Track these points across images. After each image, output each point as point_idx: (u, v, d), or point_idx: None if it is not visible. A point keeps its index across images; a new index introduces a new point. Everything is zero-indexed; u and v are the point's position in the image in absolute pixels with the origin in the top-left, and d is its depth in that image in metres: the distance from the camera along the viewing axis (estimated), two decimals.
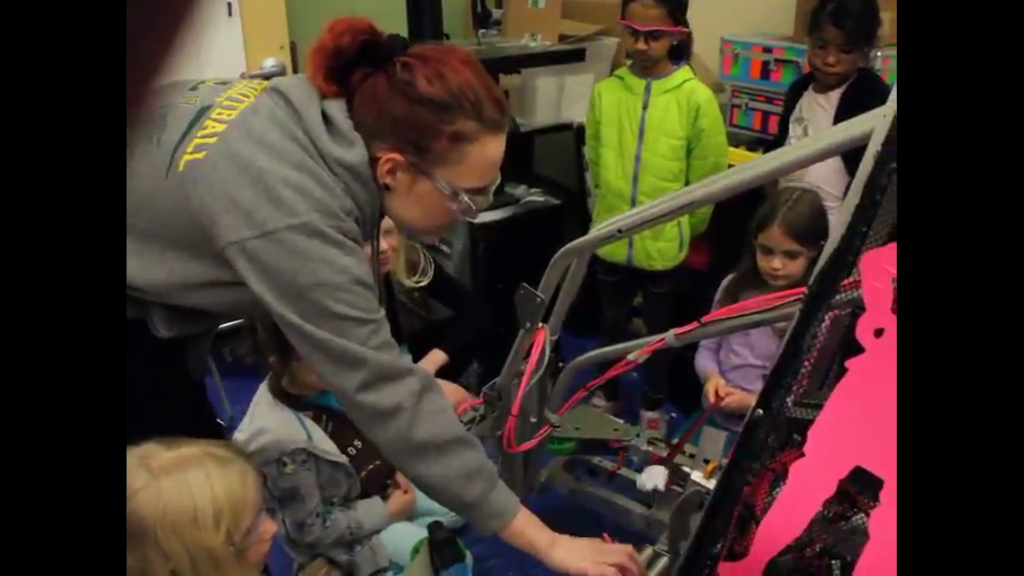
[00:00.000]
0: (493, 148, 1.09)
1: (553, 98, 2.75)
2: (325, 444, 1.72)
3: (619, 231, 1.23)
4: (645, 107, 2.10)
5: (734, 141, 2.63)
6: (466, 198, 1.09)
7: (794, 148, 1.01)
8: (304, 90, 1.07)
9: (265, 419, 1.70)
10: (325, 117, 1.05)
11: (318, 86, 1.06)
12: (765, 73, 2.63)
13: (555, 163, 2.94)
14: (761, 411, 1.00)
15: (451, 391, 1.96)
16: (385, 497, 1.90)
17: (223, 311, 1.21)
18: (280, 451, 1.65)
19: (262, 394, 1.75)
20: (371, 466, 1.85)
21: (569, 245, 1.30)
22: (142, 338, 1.18)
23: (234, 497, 1.05)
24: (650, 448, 1.81)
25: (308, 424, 1.72)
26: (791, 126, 2.21)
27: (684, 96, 2.08)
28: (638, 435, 1.84)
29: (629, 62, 2.19)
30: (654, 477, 1.55)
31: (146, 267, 1.09)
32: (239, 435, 1.72)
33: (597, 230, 1.29)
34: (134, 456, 1.03)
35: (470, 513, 1.14)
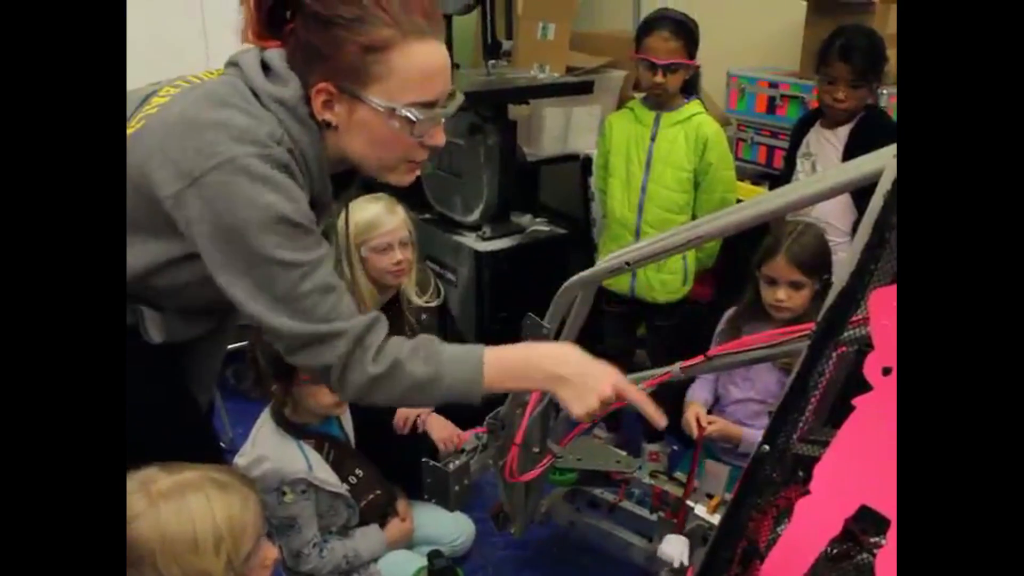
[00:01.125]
0: (422, 55, 1.01)
1: (560, 129, 2.77)
2: (325, 474, 1.71)
3: (627, 264, 1.23)
4: (653, 138, 2.12)
5: (739, 175, 2.64)
6: (405, 112, 1.02)
7: (803, 184, 1.02)
8: (248, 50, 1.08)
9: (266, 446, 1.69)
10: (264, 65, 1.06)
11: (251, 41, 1.07)
12: (771, 108, 2.65)
13: (561, 193, 2.95)
14: (767, 447, 0.99)
15: (441, 424, 1.96)
16: (383, 525, 1.89)
17: (201, 296, 1.14)
18: (280, 480, 1.64)
19: (264, 420, 1.74)
20: (371, 495, 1.84)
21: (576, 277, 1.30)
22: (136, 350, 1.17)
23: (234, 522, 1.04)
24: (652, 481, 1.80)
25: (309, 453, 1.71)
26: (799, 161, 2.22)
27: (693, 129, 2.10)
28: (640, 467, 1.83)
29: (640, 95, 2.21)
30: (675, 548, 1.44)
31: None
32: (239, 460, 1.71)
33: (605, 262, 1.29)
34: (134, 481, 1.02)
35: (441, 396, 1.09)
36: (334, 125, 1.06)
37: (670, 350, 2.11)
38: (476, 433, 1.56)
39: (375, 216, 1.93)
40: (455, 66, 2.50)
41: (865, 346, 0.92)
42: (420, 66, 1.02)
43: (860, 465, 0.93)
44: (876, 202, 0.87)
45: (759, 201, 1.10)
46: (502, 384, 1.13)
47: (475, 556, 2.05)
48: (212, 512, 1.03)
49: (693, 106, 2.13)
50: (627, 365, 2.38)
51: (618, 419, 2.57)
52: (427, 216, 2.63)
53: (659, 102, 2.12)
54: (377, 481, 1.85)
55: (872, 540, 0.96)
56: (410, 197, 2.69)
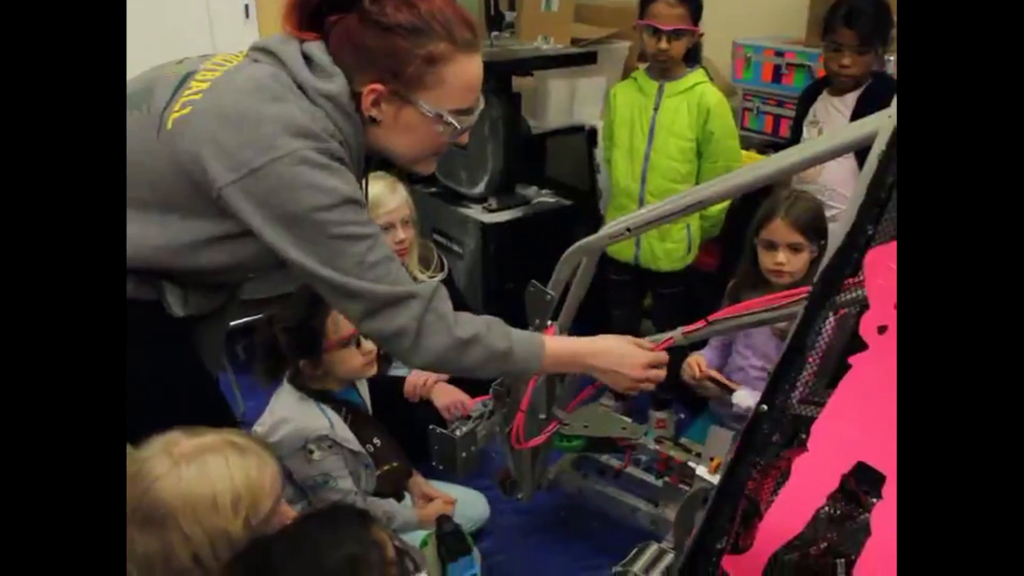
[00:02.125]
0: (469, 68, 1.11)
1: (565, 101, 2.77)
2: (346, 433, 1.73)
3: (628, 229, 1.25)
4: (656, 108, 2.11)
5: (745, 144, 2.63)
6: (451, 119, 1.11)
7: (801, 148, 1.03)
8: (282, 39, 1.12)
9: (287, 410, 1.70)
10: (305, 57, 1.10)
11: (293, 34, 1.11)
12: (777, 77, 2.64)
13: (567, 165, 2.95)
14: (765, 407, 1.01)
15: (446, 391, 1.98)
16: (399, 500, 1.90)
17: (231, 272, 1.22)
18: (304, 439, 1.65)
19: (283, 389, 1.76)
20: (387, 466, 1.84)
21: (579, 243, 1.31)
22: (160, 324, 1.20)
23: (252, 483, 1.07)
24: (658, 447, 1.83)
25: (330, 413, 1.72)
26: (805, 129, 2.21)
27: (695, 98, 2.09)
28: (646, 434, 1.86)
29: (643, 65, 2.21)
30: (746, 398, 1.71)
31: (151, 235, 1.11)
32: (259, 427, 1.72)
33: (607, 228, 1.31)
34: (158, 443, 1.05)
35: (505, 369, 1.21)
36: (378, 121, 1.13)
37: (675, 319, 2.12)
38: (482, 400, 1.58)
39: (376, 196, 1.93)
40: None
41: (863, 306, 0.93)
42: (466, 79, 1.11)
43: (856, 422, 0.95)
44: (871, 162, 0.88)
45: (758, 166, 1.11)
46: (553, 368, 1.32)
47: (486, 523, 2.08)
48: (230, 473, 1.06)
49: (696, 75, 2.12)
50: (634, 335, 2.39)
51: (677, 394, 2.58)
52: (433, 189, 2.64)
53: (663, 71, 2.12)
54: (395, 452, 1.86)
55: (868, 497, 0.97)
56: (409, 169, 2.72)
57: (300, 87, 1.09)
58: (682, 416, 2.44)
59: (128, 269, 1.13)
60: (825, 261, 0.93)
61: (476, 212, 2.45)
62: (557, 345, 1.26)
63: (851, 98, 2.07)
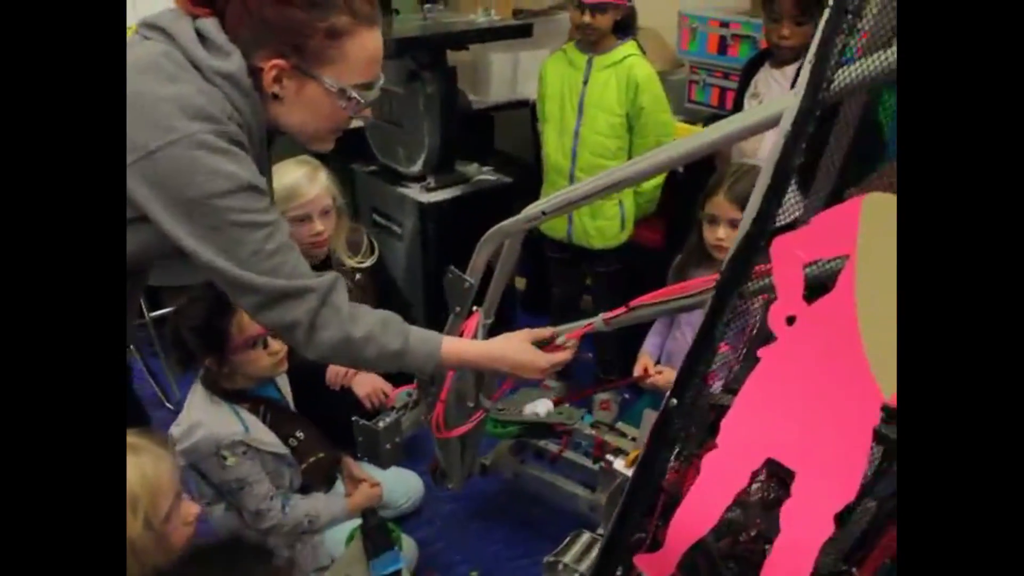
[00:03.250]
0: (370, 41, 1.09)
1: (508, 75, 2.70)
2: (263, 435, 1.68)
3: (543, 212, 1.20)
4: (586, 82, 2.06)
5: (692, 118, 2.59)
6: (355, 93, 1.10)
7: (711, 128, 0.98)
8: (173, 15, 1.07)
9: (199, 413, 1.65)
10: (199, 35, 1.05)
11: (186, 10, 1.07)
12: (723, 48, 2.59)
13: (511, 140, 2.89)
14: (675, 400, 0.97)
15: (366, 380, 1.94)
16: (330, 488, 1.87)
17: (131, 260, 1.13)
18: (217, 444, 1.61)
19: (195, 389, 1.70)
20: (313, 458, 1.79)
21: (495, 227, 1.26)
22: None
23: (149, 483, 1.04)
24: (594, 432, 1.79)
25: (244, 416, 1.67)
26: (746, 102, 2.17)
27: (624, 72, 2.03)
28: (583, 418, 1.82)
29: (576, 38, 2.14)
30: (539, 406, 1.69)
31: None
32: (175, 429, 1.66)
33: (525, 211, 1.25)
34: None
35: (397, 368, 1.20)
36: (280, 96, 1.09)
37: (616, 297, 2.09)
38: (407, 390, 1.53)
39: (294, 184, 1.85)
40: (395, 11, 2.42)
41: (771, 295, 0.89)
42: (368, 52, 1.09)
43: (765, 417, 0.92)
44: (776, 145, 0.83)
45: (672, 146, 1.06)
46: (452, 367, 1.32)
47: (424, 511, 2.06)
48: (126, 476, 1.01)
49: (626, 48, 2.06)
50: (574, 312, 2.36)
51: (568, 367, 2.56)
52: (372, 168, 2.56)
53: (591, 44, 2.06)
54: (319, 443, 1.81)
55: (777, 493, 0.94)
56: (355, 148, 2.64)
57: (195, 66, 1.03)
58: (626, 396, 2.41)
59: None
60: (732, 248, 0.88)
61: (414, 192, 2.38)
62: (455, 347, 1.24)
63: (790, 70, 2.03)
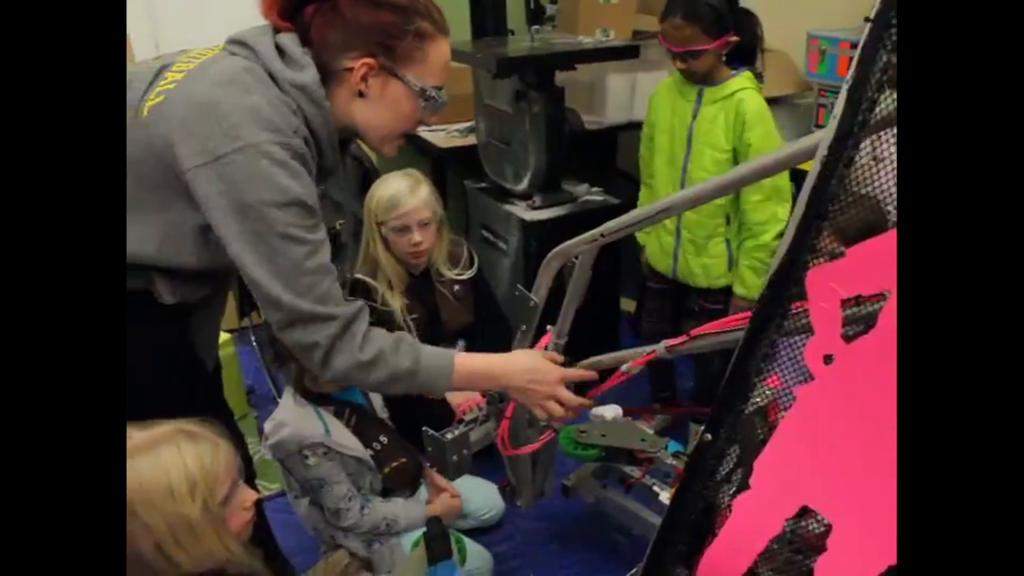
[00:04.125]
0: (445, 47, 1.19)
1: (624, 96, 2.68)
2: (344, 439, 1.74)
3: (601, 235, 1.19)
4: (695, 116, 1.97)
5: None
6: (433, 93, 1.18)
7: (762, 158, 0.93)
8: (257, 31, 1.16)
9: (287, 413, 1.74)
10: (279, 49, 1.13)
11: (272, 21, 1.16)
12: None
13: (628, 161, 2.86)
14: (709, 436, 0.93)
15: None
16: (413, 493, 1.92)
17: (213, 264, 1.23)
18: (299, 444, 1.69)
19: (288, 389, 1.80)
20: (395, 463, 1.85)
21: (558, 248, 1.26)
22: (150, 314, 1.24)
23: (206, 468, 1.09)
24: (674, 462, 1.74)
25: (327, 419, 1.74)
26: None
27: (733, 106, 1.92)
28: (665, 447, 1.78)
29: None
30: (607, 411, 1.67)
31: (130, 228, 1.15)
32: (267, 424, 1.77)
33: (587, 234, 1.25)
34: None
35: (414, 387, 1.22)
36: (365, 94, 1.17)
37: None
38: (477, 404, 1.55)
39: (394, 195, 1.93)
40: (510, 32, 2.47)
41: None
42: (443, 58, 1.19)
43: (801, 461, 0.86)
44: (812, 174, 0.79)
45: (733, 172, 1.02)
46: (468, 386, 1.32)
47: (506, 525, 2.06)
48: (183, 460, 1.08)
49: (738, 81, 1.94)
50: None
51: (674, 401, 2.49)
52: (483, 185, 2.62)
53: (703, 75, 1.97)
54: (402, 448, 1.86)
55: (813, 546, 0.88)
56: (467, 165, 2.71)
57: (272, 78, 1.12)
58: None
59: None
60: (765, 282, 0.84)
61: (519, 209, 2.41)
62: (469, 363, 1.24)
63: None
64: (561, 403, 1.27)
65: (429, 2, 1.18)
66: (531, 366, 1.26)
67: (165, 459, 1.07)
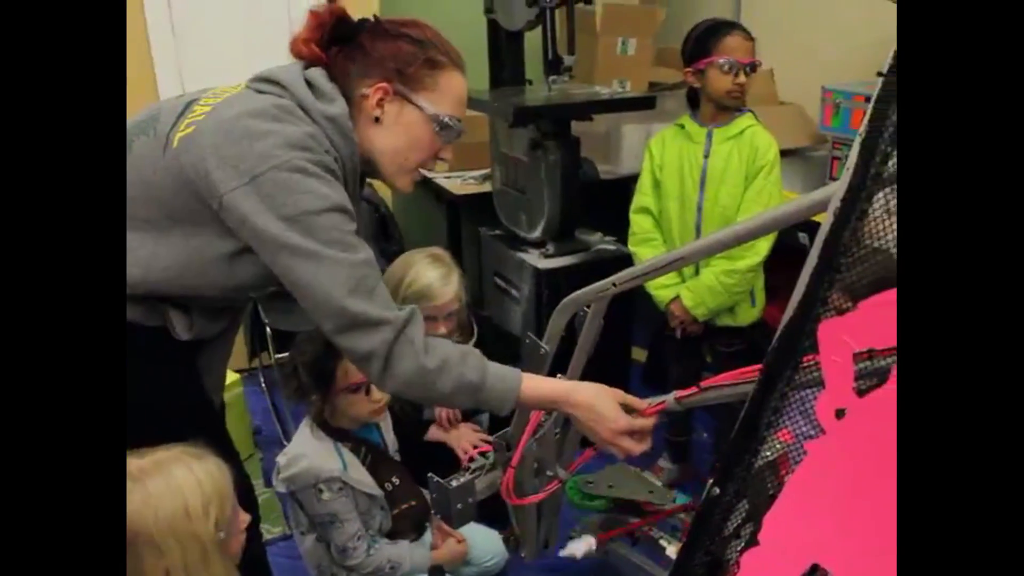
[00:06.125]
0: (458, 81, 1.23)
1: (640, 146, 2.69)
2: (360, 475, 1.73)
3: (614, 284, 1.18)
4: (707, 156, 2.01)
5: None
6: (447, 119, 1.21)
7: (775, 210, 0.93)
8: (286, 68, 1.21)
9: (304, 446, 1.73)
10: (308, 84, 1.18)
11: (308, 51, 1.21)
12: None
13: None
14: (718, 489, 0.91)
15: (465, 432, 1.95)
16: (419, 536, 1.89)
17: (234, 291, 1.26)
18: (316, 478, 1.68)
19: (305, 423, 1.79)
20: (405, 505, 1.83)
21: (569, 297, 1.26)
22: (165, 348, 1.25)
23: (217, 485, 1.09)
24: (683, 516, 1.71)
25: (345, 454, 1.74)
26: None
27: (746, 142, 1.98)
28: (674, 500, 1.75)
29: (686, 115, 2.09)
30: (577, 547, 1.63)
31: (155, 255, 1.17)
32: (280, 458, 1.76)
33: (599, 284, 1.24)
34: None
35: (477, 402, 1.19)
36: (381, 120, 1.21)
37: None
38: (483, 452, 1.53)
39: (429, 286, 1.94)
40: (528, 82, 2.50)
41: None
42: (457, 90, 1.24)
43: (811, 517, 0.84)
44: (825, 224, 0.79)
45: (745, 223, 1.02)
46: (529, 407, 1.28)
47: (509, 575, 2.01)
48: (197, 479, 1.07)
49: (745, 120, 2.01)
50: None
51: (686, 450, 2.46)
52: (497, 232, 2.63)
53: (714, 115, 2.01)
54: (413, 491, 1.85)
55: None
56: (482, 212, 2.73)
57: (304, 110, 1.16)
58: None
59: (137, 295, 1.19)
60: (778, 332, 0.83)
61: (532, 257, 2.41)
62: (535, 385, 1.21)
63: None
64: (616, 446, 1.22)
65: (446, 41, 1.24)
66: (599, 409, 1.20)
67: (178, 477, 1.06)
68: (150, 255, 1.17)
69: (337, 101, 1.18)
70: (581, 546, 1.64)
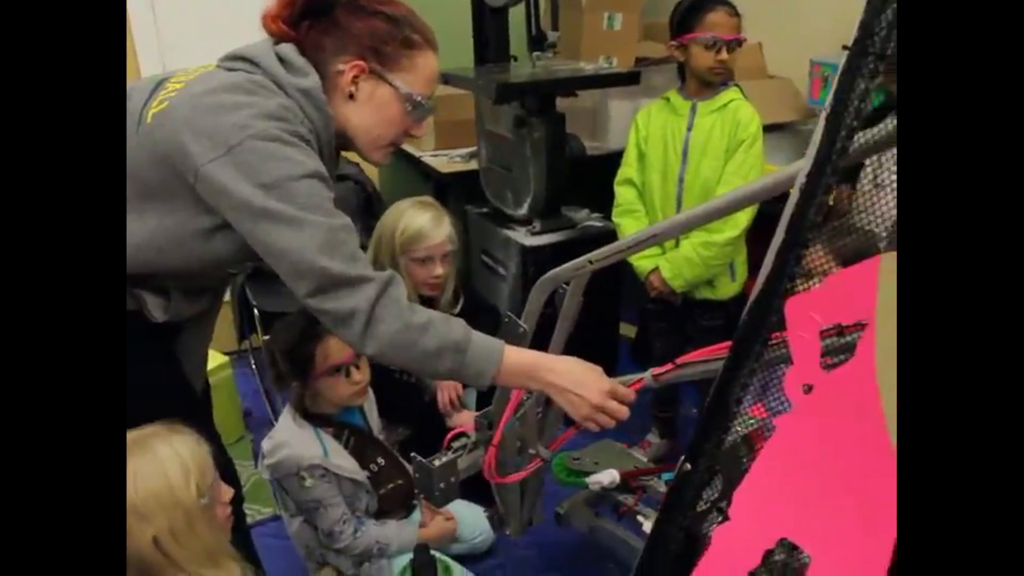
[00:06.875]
0: (432, 61, 1.25)
1: (627, 122, 2.66)
2: (342, 460, 1.74)
3: (590, 262, 1.18)
4: (690, 128, 2.00)
5: None
6: (420, 98, 1.23)
7: (750, 185, 0.93)
8: (255, 45, 1.21)
9: (285, 433, 1.74)
10: (280, 58, 1.18)
11: (276, 29, 1.21)
12: None
13: None
14: (689, 466, 0.91)
15: (468, 417, 1.95)
16: (408, 515, 1.90)
17: (211, 269, 1.26)
18: (297, 466, 1.69)
19: (286, 409, 1.80)
20: (391, 485, 1.85)
21: (547, 274, 1.25)
22: (137, 333, 1.24)
23: (196, 455, 1.12)
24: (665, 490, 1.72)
25: (326, 440, 1.75)
26: None
27: (729, 115, 1.97)
28: (659, 476, 1.75)
29: (675, 88, 2.09)
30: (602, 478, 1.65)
31: (133, 232, 1.16)
32: (265, 444, 1.77)
33: (575, 261, 1.24)
34: None
35: (459, 376, 1.18)
36: (355, 97, 1.22)
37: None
38: (465, 431, 1.53)
39: (421, 227, 1.97)
40: (513, 58, 2.48)
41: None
42: (430, 70, 1.25)
43: (780, 492, 0.85)
44: (792, 200, 0.78)
45: (715, 201, 1.02)
46: (509, 380, 1.23)
47: (498, 552, 2.03)
48: (176, 450, 1.11)
49: (729, 93, 2.00)
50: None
51: (674, 425, 2.47)
52: (484, 210, 2.62)
53: (699, 90, 2.01)
54: (398, 471, 1.86)
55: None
56: (468, 190, 2.71)
57: (277, 84, 1.17)
58: None
59: None
60: (746, 308, 0.83)
61: (519, 235, 2.40)
62: (517, 353, 1.20)
63: None
64: (608, 414, 1.19)
65: (419, 19, 1.24)
66: (582, 373, 1.20)
67: (158, 451, 1.09)
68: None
69: (310, 75, 1.18)
70: (605, 477, 1.68)
